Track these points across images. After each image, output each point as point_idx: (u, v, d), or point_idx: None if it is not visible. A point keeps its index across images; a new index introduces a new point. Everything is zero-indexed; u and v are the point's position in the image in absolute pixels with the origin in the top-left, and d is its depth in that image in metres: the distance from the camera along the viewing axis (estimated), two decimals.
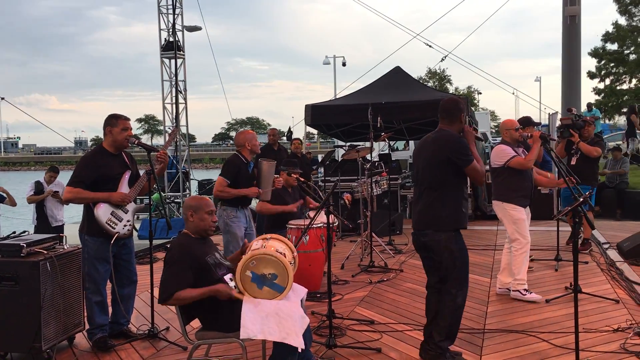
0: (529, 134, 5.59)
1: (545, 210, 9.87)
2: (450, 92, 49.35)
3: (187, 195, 14.08)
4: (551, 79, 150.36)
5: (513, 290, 5.59)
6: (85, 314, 4.60)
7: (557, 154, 7.03)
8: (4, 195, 8.89)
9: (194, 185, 15.50)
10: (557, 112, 13.24)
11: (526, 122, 6.32)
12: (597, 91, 34.86)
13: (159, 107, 13.78)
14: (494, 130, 38.25)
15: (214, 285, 3.54)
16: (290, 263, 3.66)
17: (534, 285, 5.94)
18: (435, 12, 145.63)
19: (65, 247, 4.51)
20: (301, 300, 3.75)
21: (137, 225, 5.46)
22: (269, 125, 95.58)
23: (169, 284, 3.47)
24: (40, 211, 8.87)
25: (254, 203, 6.35)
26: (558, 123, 9.24)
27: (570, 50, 13.97)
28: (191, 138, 13.87)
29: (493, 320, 4.98)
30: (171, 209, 13.84)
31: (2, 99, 14.24)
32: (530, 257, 6.99)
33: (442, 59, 15.56)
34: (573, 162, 7.43)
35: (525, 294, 5.52)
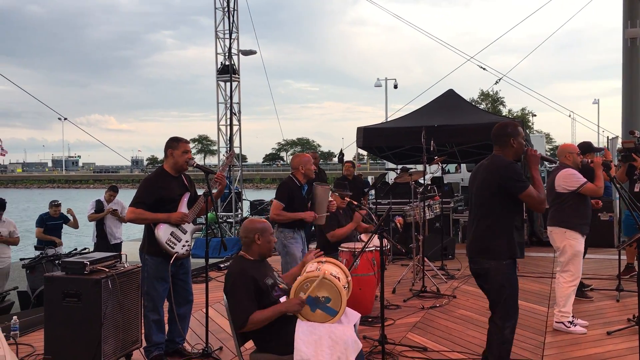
0: (589, 160, 5.44)
1: (605, 238, 9.53)
2: (504, 114, 48.58)
3: (240, 216, 14.29)
4: (609, 101, 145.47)
5: (556, 322, 5.39)
6: (143, 332, 4.71)
7: (618, 180, 6.79)
8: (70, 217, 9.27)
9: (245, 206, 15.71)
10: (617, 137, 12.83)
11: (587, 148, 6.14)
12: None
13: (212, 128, 14.32)
14: (549, 154, 37.27)
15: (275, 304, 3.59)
16: (344, 287, 3.67)
17: (593, 317, 5.74)
18: (486, 33, 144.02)
19: (125, 266, 4.66)
20: (354, 326, 3.74)
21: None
22: (319, 146, 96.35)
23: (241, 311, 3.52)
24: (100, 229, 9.19)
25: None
26: (619, 147, 8.95)
27: (631, 72, 13.54)
28: (242, 158, 14.10)
29: (551, 352, 4.82)
30: (223, 229, 14.06)
31: (65, 119, 14.87)
32: (589, 286, 6.77)
33: (497, 82, 15.35)
34: (637, 189, 7.15)
35: (569, 327, 5.32)
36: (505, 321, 3.81)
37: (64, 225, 9.26)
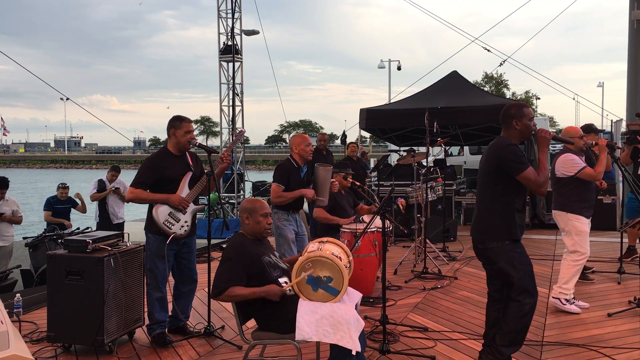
0: (594, 142, 5.41)
1: (608, 221, 9.52)
2: (507, 97, 48.27)
3: (242, 197, 14.31)
4: (614, 85, 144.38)
5: (553, 297, 5.42)
6: (146, 310, 4.73)
7: (622, 162, 6.75)
8: (78, 201, 9.26)
9: (248, 187, 15.72)
10: (621, 120, 12.75)
11: (588, 129, 6.11)
12: None
13: (214, 109, 14.27)
14: None
15: (267, 285, 3.59)
16: (346, 267, 3.67)
17: (595, 299, 5.75)
18: (491, 15, 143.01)
19: (128, 245, 4.67)
20: (356, 305, 3.75)
21: None
22: (321, 128, 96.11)
23: (222, 280, 3.56)
24: (103, 208, 9.20)
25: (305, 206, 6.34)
26: (623, 130, 8.88)
27: (636, 55, 13.41)
28: (245, 140, 14.11)
29: (552, 333, 4.83)
30: (226, 210, 14.09)
31: (67, 99, 14.84)
32: (591, 269, 6.78)
33: (501, 64, 15.20)
34: None
35: (565, 304, 5.35)
36: (526, 297, 3.78)
37: (71, 209, 9.24)
